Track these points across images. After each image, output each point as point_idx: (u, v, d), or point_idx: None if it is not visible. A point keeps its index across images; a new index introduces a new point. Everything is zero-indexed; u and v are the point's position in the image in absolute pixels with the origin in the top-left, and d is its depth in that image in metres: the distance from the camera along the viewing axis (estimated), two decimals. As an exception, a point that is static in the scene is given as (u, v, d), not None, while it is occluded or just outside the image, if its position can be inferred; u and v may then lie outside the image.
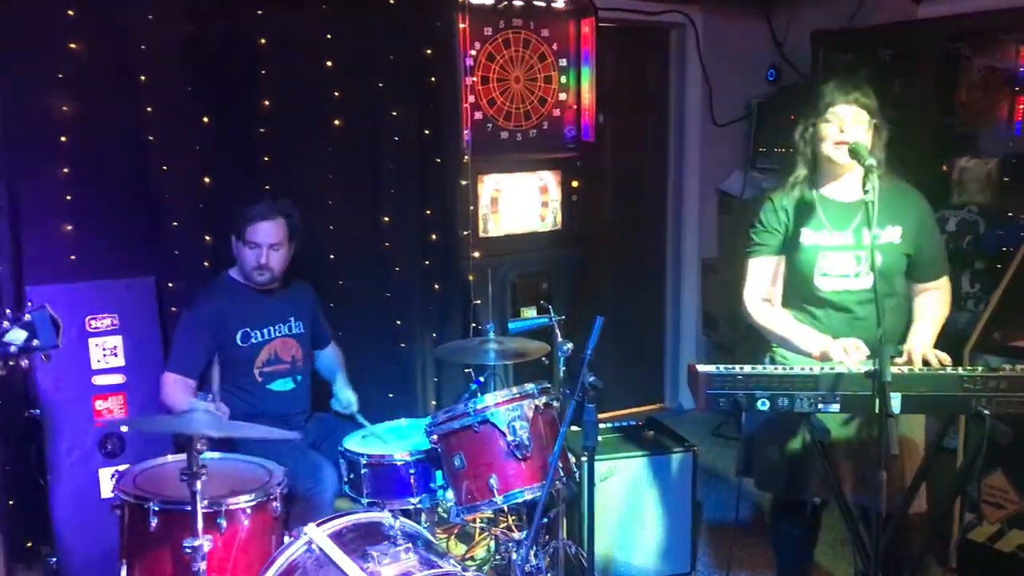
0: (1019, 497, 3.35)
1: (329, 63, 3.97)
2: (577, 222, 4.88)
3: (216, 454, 3.00)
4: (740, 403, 2.54)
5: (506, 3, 4.40)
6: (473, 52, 4.36)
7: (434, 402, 4.36)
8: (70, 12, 3.40)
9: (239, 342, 3.46)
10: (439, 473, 3.11)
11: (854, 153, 2.67)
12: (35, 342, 2.32)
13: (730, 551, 3.76)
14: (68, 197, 3.48)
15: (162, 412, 3.38)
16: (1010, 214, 4.25)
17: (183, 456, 2.53)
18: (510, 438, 2.91)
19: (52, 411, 3.39)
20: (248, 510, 2.72)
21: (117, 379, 3.52)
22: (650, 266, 5.83)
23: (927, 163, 4.46)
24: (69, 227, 3.49)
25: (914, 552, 2.92)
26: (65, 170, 3.46)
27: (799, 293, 2.95)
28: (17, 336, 2.31)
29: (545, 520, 3.18)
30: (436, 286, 4.35)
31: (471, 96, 4.37)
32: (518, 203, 4.67)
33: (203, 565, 2.49)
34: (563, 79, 4.70)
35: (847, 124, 2.78)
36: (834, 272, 2.87)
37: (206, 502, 2.56)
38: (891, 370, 2.41)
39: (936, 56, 4.53)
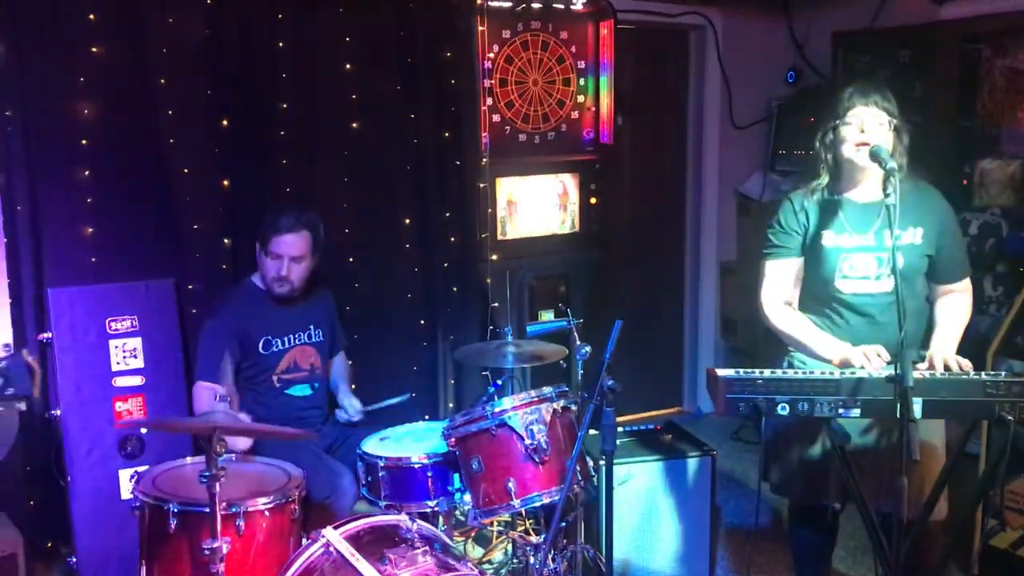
0: (1042, 503, 3.32)
1: (348, 66, 3.99)
2: (595, 225, 4.86)
3: (234, 455, 3.02)
4: (760, 407, 2.53)
5: (524, 5, 4.39)
6: (491, 55, 4.35)
7: (451, 404, 4.36)
8: (91, 16, 3.43)
9: (261, 349, 3.47)
10: (457, 476, 3.11)
11: (874, 156, 2.64)
12: (10, 390, 2.26)
13: (749, 556, 3.73)
14: (89, 200, 3.51)
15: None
16: (1033, 216, 4.21)
17: (202, 458, 2.54)
18: (528, 441, 2.90)
19: (73, 412, 3.41)
20: (267, 512, 2.73)
21: (137, 380, 3.54)
22: (668, 269, 5.80)
23: (948, 165, 4.42)
24: (90, 229, 3.52)
25: (935, 559, 2.89)
26: (86, 173, 3.50)
27: (818, 296, 2.93)
28: None
29: (563, 524, 3.16)
30: (454, 288, 4.35)
31: (489, 99, 4.37)
32: (536, 206, 4.66)
33: (222, 567, 2.49)
34: (581, 81, 4.68)
35: (867, 126, 2.76)
36: (854, 274, 2.84)
37: (225, 504, 2.58)
38: (913, 374, 2.38)
39: (957, 57, 4.49)
